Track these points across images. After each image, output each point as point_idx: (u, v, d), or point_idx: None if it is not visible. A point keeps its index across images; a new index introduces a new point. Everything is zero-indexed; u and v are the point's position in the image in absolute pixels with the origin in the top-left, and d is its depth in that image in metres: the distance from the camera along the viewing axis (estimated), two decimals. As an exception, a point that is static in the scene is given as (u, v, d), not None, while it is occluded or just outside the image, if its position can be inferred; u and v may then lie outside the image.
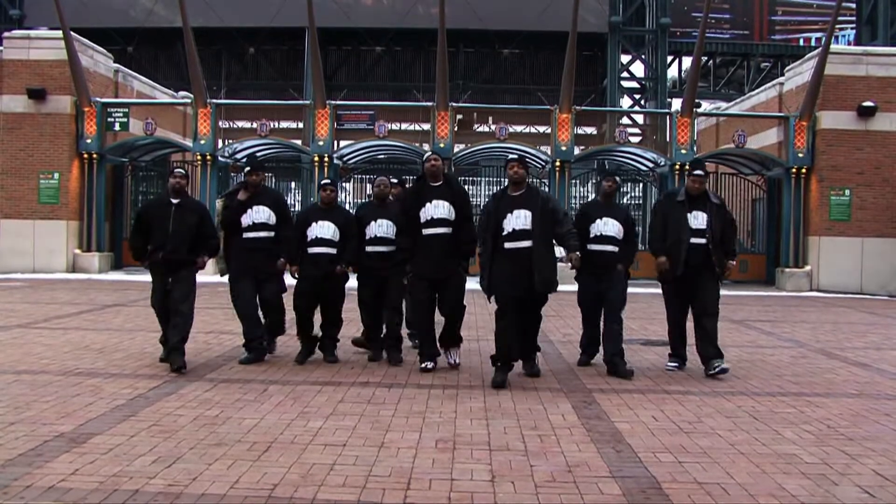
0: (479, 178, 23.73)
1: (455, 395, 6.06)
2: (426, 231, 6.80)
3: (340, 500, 3.75)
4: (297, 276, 7.28)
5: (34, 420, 5.03)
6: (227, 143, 20.30)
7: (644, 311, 11.51)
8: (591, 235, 7.05)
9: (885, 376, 7.37)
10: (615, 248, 7.06)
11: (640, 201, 23.74)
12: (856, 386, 6.86)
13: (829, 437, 5.03)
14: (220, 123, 19.55)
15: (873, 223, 17.84)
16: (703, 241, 6.94)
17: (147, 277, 7.19)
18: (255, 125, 18.96)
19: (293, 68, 30.43)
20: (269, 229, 7.19)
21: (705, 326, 6.99)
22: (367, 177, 23.61)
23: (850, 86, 17.90)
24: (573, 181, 20.45)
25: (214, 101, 18.85)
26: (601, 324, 7.20)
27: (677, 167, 17.95)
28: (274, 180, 22.63)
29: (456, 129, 19.39)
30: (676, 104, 23.34)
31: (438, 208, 6.80)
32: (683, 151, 18.06)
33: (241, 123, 25.73)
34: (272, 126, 19.56)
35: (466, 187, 9.30)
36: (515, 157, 6.71)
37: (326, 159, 18.05)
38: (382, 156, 22.31)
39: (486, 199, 7.79)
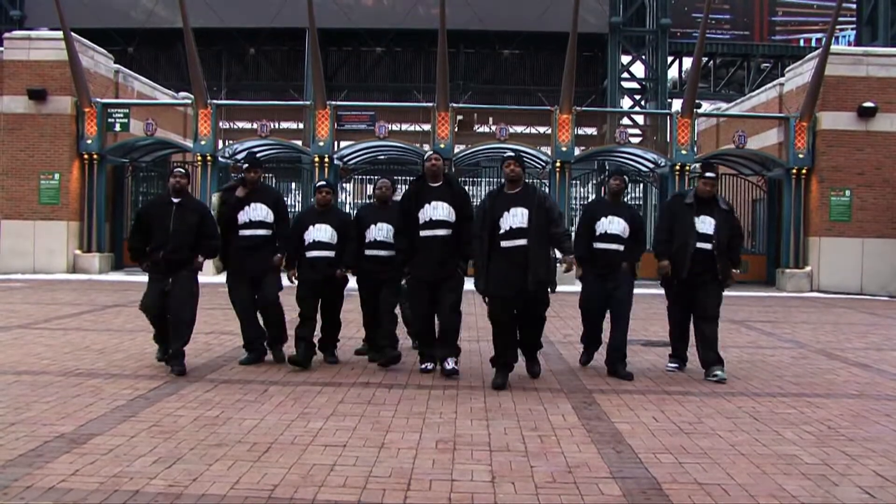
0: (479, 179, 23.74)
1: (455, 395, 6.06)
2: (424, 232, 6.68)
3: (341, 501, 3.75)
4: (294, 280, 7.19)
5: (34, 421, 5.03)
6: (227, 143, 20.30)
7: (644, 312, 11.51)
8: (597, 234, 6.98)
9: (885, 377, 7.37)
10: (620, 247, 6.95)
11: (641, 202, 23.74)
12: (856, 387, 6.85)
13: (830, 438, 5.03)
14: (221, 124, 19.55)
15: (874, 224, 17.84)
16: (708, 246, 6.86)
17: (147, 278, 7.00)
18: (255, 126, 18.95)
19: (294, 69, 30.43)
20: (267, 227, 7.09)
21: (705, 331, 6.95)
22: (367, 177, 23.63)
23: (851, 86, 17.89)
24: (573, 182, 20.46)
25: (215, 101, 18.85)
26: (604, 324, 7.12)
27: (677, 168, 17.97)
28: (274, 181, 22.63)
29: (456, 129, 19.40)
30: (677, 105, 23.37)
31: (438, 209, 6.70)
32: (684, 152, 18.07)
33: (241, 124, 25.72)
34: (272, 127, 19.57)
35: (466, 188, 9.21)
36: (512, 154, 6.60)
37: (327, 160, 18.06)
38: (383, 156, 22.32)
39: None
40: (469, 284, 6.62)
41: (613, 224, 6.98)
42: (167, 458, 4.30)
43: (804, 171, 18.09)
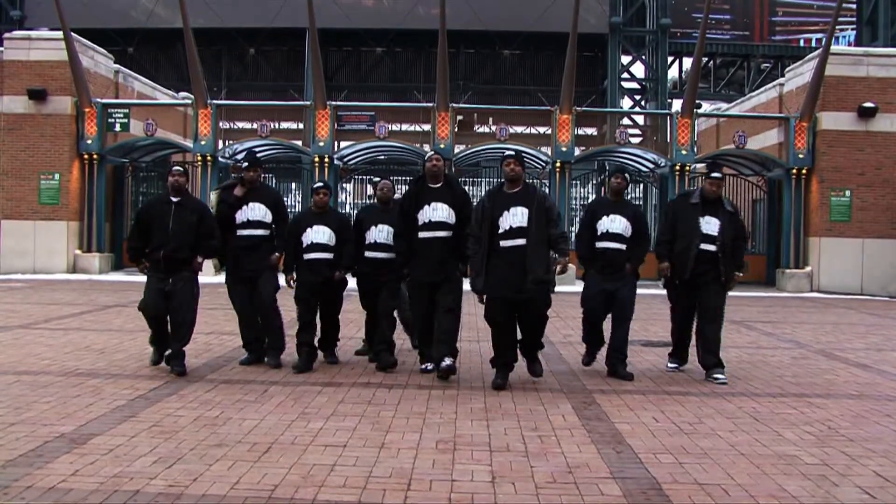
0: (479, 179, 23.74)
1: (455, 395, 6.06)
2: (423, 234, 6.61)
3: (341, 502, 3.75)
4: (292, 284, 7.11)
5: (35, 421, 5.03)
6: (227, 143, 20.30)
7: (645, 312, 11.50)
8: (599, 233, 6.92)
9: (885, 377, 7.37)
10: (622, 246, 6.88)
11: (641, 202, 23.73)
12: (856, 387, 6.85)
13: (830, 439, 5.03)
14: (221, 124, 19.54)
15: (874, 224, 17.84)
16: (712, 247, 6.81)
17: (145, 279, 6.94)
18: (255, 126, 18.95)
19: (294, 69, 30.42)
20: (264, 227, 7.05)
21: (707, 333, 6.91)
22: (368, 178, 23.62)
23: (851, 87, 17.89)
24: (573, 182, 20.45)
25: (215, 101, 18.85)
26: (606, 325, 7.07)
27: (678, 168, 17.96)
28: (274, 181, 22.63)
29: (456, 129, 19.39)
30: (677, 105, 23.36)
31: (437, 211, 6.62)
32: (684, 152, 18.08)
33: (241, 124, 25.70)
34: (273, 127, 19.57)
35: (466, 188, 9.16)
36: (512, 153, 6.50)
37: (327, 160, 18.06)
38: (383, 157, 22.32)
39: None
40: (465, 284, 6.59)
41: (615, 223, 6.91)
42: (167, 459, 4.30)
43: (804, 172, 18.09)
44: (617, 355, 6.94)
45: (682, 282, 6.93)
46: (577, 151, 19.37)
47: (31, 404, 5.46)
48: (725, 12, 30.87)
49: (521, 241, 6.19)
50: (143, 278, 6.89)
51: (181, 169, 6.90)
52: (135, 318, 10.13)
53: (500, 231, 6.24)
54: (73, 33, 17.46)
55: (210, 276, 7.77)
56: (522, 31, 28.24)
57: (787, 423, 5.40)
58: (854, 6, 28.19)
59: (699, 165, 19.41)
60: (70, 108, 18.05)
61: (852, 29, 29.37)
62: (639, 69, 30.30)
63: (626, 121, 29.40)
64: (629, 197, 9.09)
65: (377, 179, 7.81)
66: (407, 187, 7.75)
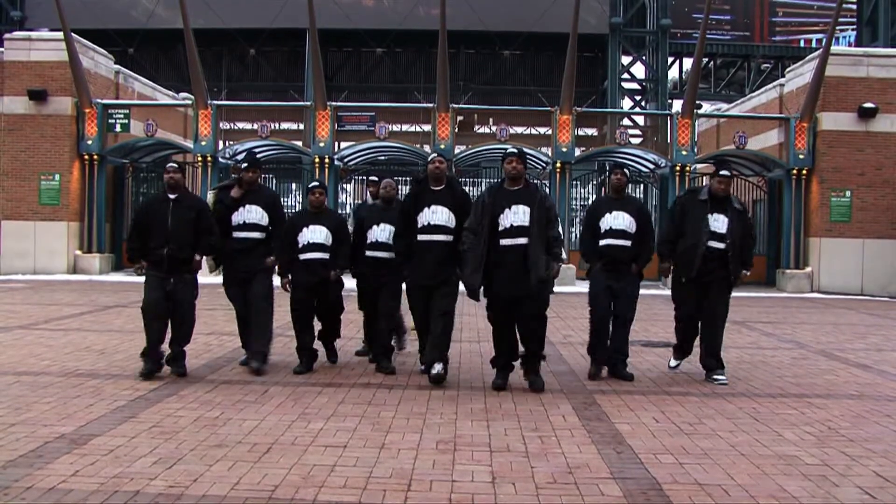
0: (479, 180, 23.72)
1: (455, 396, 6.05)
2: (422, 237, 6.52)
3: (341, 502, 3.75)
4: (288, 288, 7.01)
5: (35, 421, 5.03)
6: (227, 144, 20.29)
7: (645, 313, 11.49)
8: (602, 230, 6.85)
9: (885, 378, 7.36)
10: (627, 243, 6.81)
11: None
12: (857, 387, 6.85)
13: (830, 439, 5.03)
14: (221, 125, 19.50)
15: (874, 224, 17.84)
16: (721, 245, 6.71)
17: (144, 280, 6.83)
18: (255, 126, 18.96)
19: (294, 70, 30.43)
20: (260, 230, 6.94)
21: (710, 336, 6.86)
22: (367, 178, 23.58)
23: (851, 87, 17.89)
24: (574, 182, 20.44)
25: (215, 102, 18.85)
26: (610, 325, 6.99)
27: (678, 168, 17.97)
28: (274, 181, 22.63)
29: (457, 130, 19.39)
30: (677, 105, 23.35)
31: (437, 214, 6.51)
32: (684, 153, 18.08)
33: (241, 125, 25.67)
34: (273, 127, 19.57)
35: (467, 188, 9.14)
36: (514, 151, 6.42)
37: (327, 161, 18.07)
38: (383, 157, 22.31)
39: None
40: (460, 286, 6.51)
41: (618, 219, 6.84)
42: (168, 459, 4.30)
43: (804, 172, 18.09)
44: (617, 355, 6.93)
45: (689, 280, 6.83)
46: (577, 152, 19.38)
47: (31, 405, 5.46)
48: (725, 13, 30.89)
49: (522, 240, 6.11)
50: (143, 279, 6.81)
51: (175, 165, 6.82)
52: (135, 319, 10.11)
53: (501, 229, 6.16)
54: (73, 34, 17.48)
55: (206, 275, 7.71)
56: (523, 32, 28.26)
57: (787, 424, 5.40)
58: (854, 7, 28.21)
59: (699, 166, 19.42)
60: (70, 109, 18.06)
61: (852, 29, 29.39)
62: (639, 70, 30.33)
63: (626, 121, 29.41)
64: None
65: (374, 178, 7.78)
66: (408, 188, 7.69)
